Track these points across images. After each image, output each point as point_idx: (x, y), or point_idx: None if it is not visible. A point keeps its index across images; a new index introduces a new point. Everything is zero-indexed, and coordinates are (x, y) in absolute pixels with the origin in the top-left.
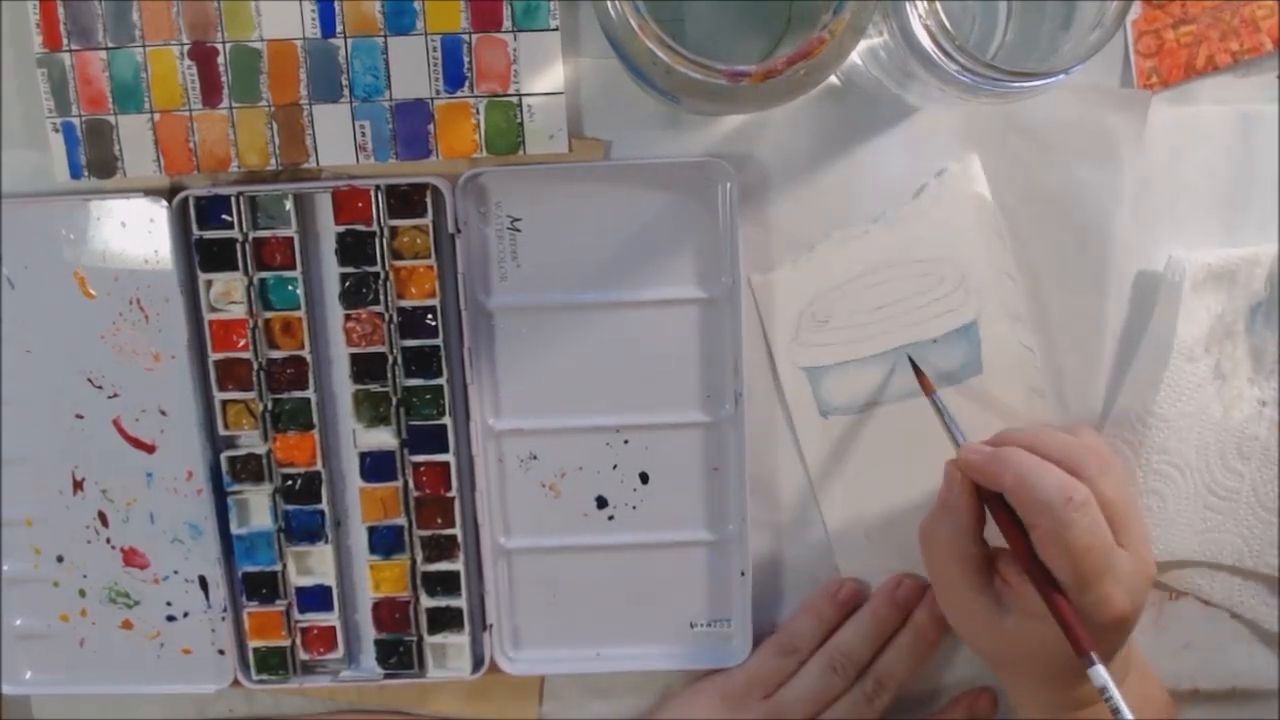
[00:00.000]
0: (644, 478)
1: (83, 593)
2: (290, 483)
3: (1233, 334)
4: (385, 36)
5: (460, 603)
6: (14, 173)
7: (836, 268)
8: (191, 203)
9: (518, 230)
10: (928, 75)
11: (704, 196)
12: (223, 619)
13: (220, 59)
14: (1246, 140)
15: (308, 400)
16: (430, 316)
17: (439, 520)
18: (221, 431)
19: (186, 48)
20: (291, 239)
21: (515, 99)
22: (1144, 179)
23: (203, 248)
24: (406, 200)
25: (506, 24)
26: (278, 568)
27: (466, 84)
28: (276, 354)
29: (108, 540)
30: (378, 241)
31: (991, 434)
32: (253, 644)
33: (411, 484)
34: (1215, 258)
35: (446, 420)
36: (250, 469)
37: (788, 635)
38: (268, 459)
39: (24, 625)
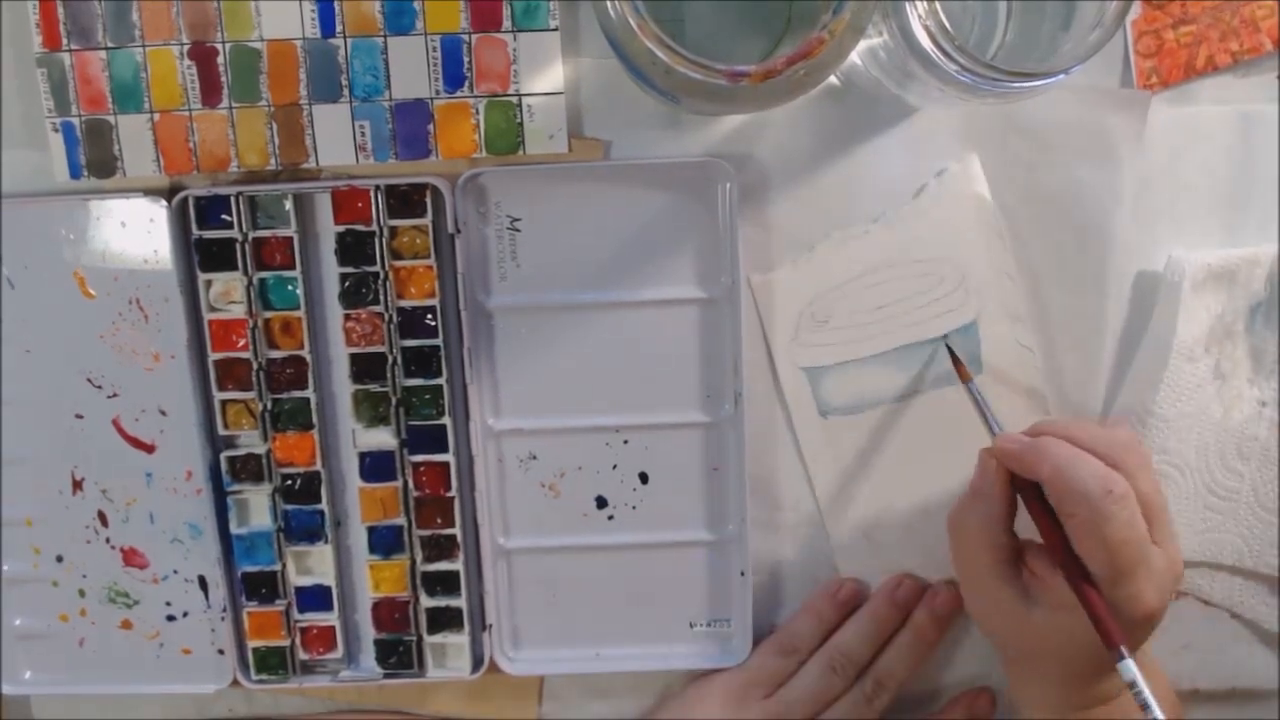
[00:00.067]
0: (644, 478)
1: (82, 593)
2: (290, 482)
3: (1233, 334)
4: (385, 36)
5: (460, 603)
6: (14, 173)
7: (836, 268)
8: (191, 203)
9: (517, 230)
10: (927, 75)
11: (704, 196)
12: (222, 619)
13: (220, 59)
14: (1246, 140)
15: (307, 400)
16: (430, 316)
17: (438, 520)
18: (221, 431)
19: (186, 48)
20: (291, 239)
21: (515, 99)
22: (1144, 179)
23: (202, 248)
24: (406, 200)
25: (506, 24)
26: (277, 568)
27: (466, 84)
28: (276, 354)
29: (107, 540)
30: (377, 241)
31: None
32: (252, 644)
33: (411, 484)
34: (1215, 258)
35: (446, 420)
36: (250, 469)
37: (787, 635)
38: (267, 459)
39: (24, 625)
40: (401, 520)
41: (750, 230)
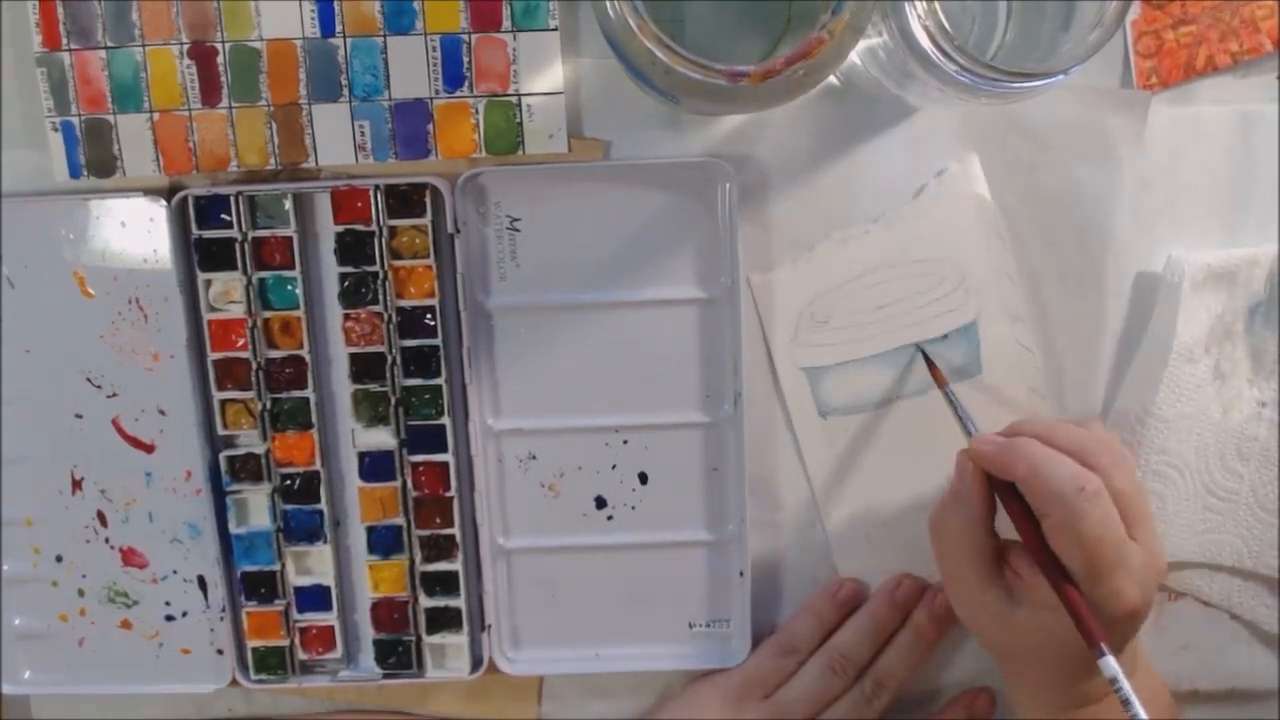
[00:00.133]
0: (643, 478)
1: (82, 592)
2: (289, 482)
3: (1232, 334)
4: (385, 36)
5: (459, 603)
6: (14, 173)
7: (836, 268)
8: (191, 202)
9: (517, 230)
10: (927, 75)
11: (704, 196)
12: (221, 619)
13: (220, 59)
14: (1246, 140)
15: (307, 400)
16: (429, 316)
17: (438, 520)
18: (220, 431)
19: (186, 47)
20: (291, 239)
21: (515, 99)
22: (1144, 179)
23: (202, 247)
24: (406, 200)
25: (506, 24)
26: (276, 567)
27: (466, 84)
28: (275, 354)
29: (107, 540)
30: (377, 241)
31: (996, 431)
32: (251, 644)
33: (410, 484)
34: (1215, 258)
35: (445, 420)
36: (249, 469)
37: (787, 635)
38: (267, 459)
39: (23, 625)
40: (401, 520)
41: (750, 230)
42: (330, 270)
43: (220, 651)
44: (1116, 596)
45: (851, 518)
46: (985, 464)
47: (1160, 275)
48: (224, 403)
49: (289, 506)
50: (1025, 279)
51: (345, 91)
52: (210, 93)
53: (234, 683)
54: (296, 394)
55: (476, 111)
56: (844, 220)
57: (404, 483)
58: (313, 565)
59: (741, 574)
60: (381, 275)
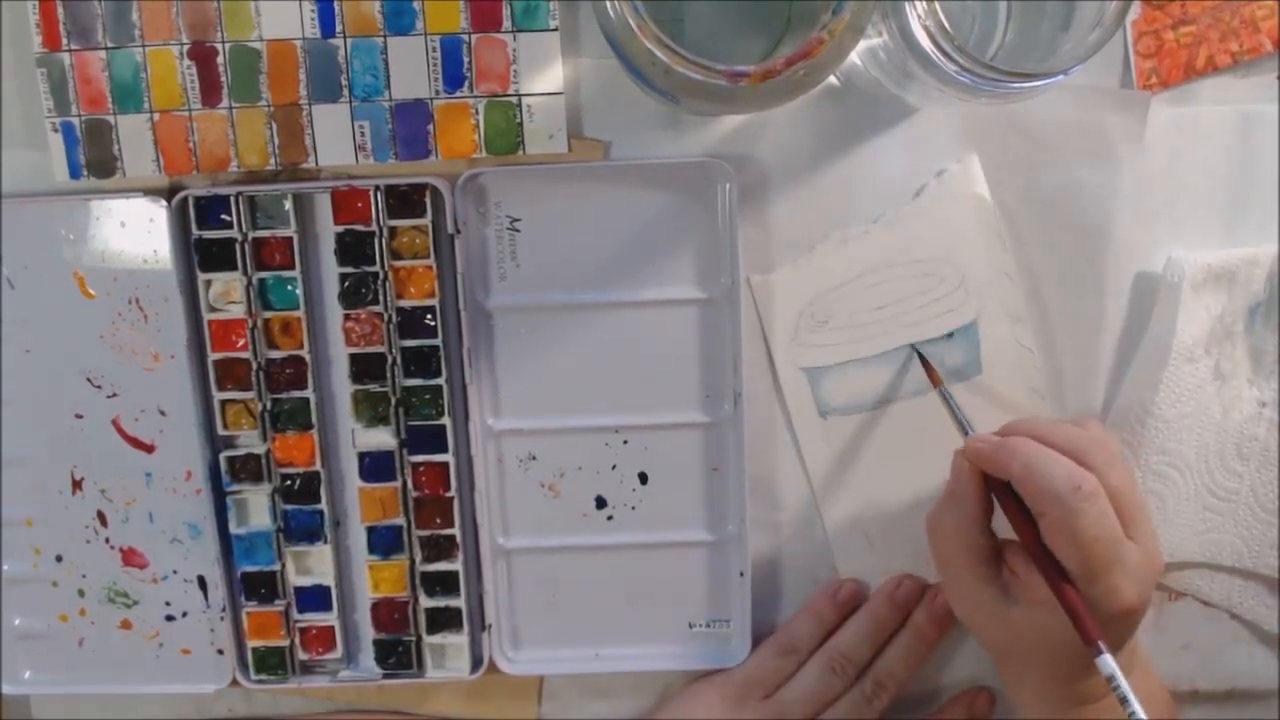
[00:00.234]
0: (643, 478)
1: (82, 592)
2: (289, 482)
3: (1232, 335)
4: (385, 36)
5: (459, 603)
6: (14, 173)
7: (836, 268)
8: (191, 203)
9: (517, 230)
10: (927, 75)
11: (704, 197)
12: (221, 619)
13: (220, 59)
14: (1246, 140)
15: (307, 400)
16: (429, 316)
17: (438, 520)
18: (220, 431)
19: (186, 48)
20: (291, 239)
21: (515, 99)
22: (1144, 179)
23: (202, 248)
24: (406, 200)
25: (506, 24)
26: (277, 568)
27: (466, 84)
28: (276, 354)
29: (107, 540)
30: (377, 241)
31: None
32: (251, 644)
33: (410, 484)
34: (1215, 258)
35: (445, 420)
36: (249, 469)
37: (787, 635)
38: (267, 459)
39: (23, 625)
40: (401, 520)
41: (750, 230)
42: (330, 270)
43: (220, 651)
44: (1113, 595)
45: (851, 518)
46: (981, 463)
47: (1160, 275)
48: (224, 403)
49: (289, 507)
50: (1025, 279)
51: (345, 92)
52: (210, 93)
53: (234, 683)
54: (297, 394)
55: (476, 112)
56: (844, 220)
57: (404, 483)
58: (313, 565)
59: (741, 574)
60: (381, 275)
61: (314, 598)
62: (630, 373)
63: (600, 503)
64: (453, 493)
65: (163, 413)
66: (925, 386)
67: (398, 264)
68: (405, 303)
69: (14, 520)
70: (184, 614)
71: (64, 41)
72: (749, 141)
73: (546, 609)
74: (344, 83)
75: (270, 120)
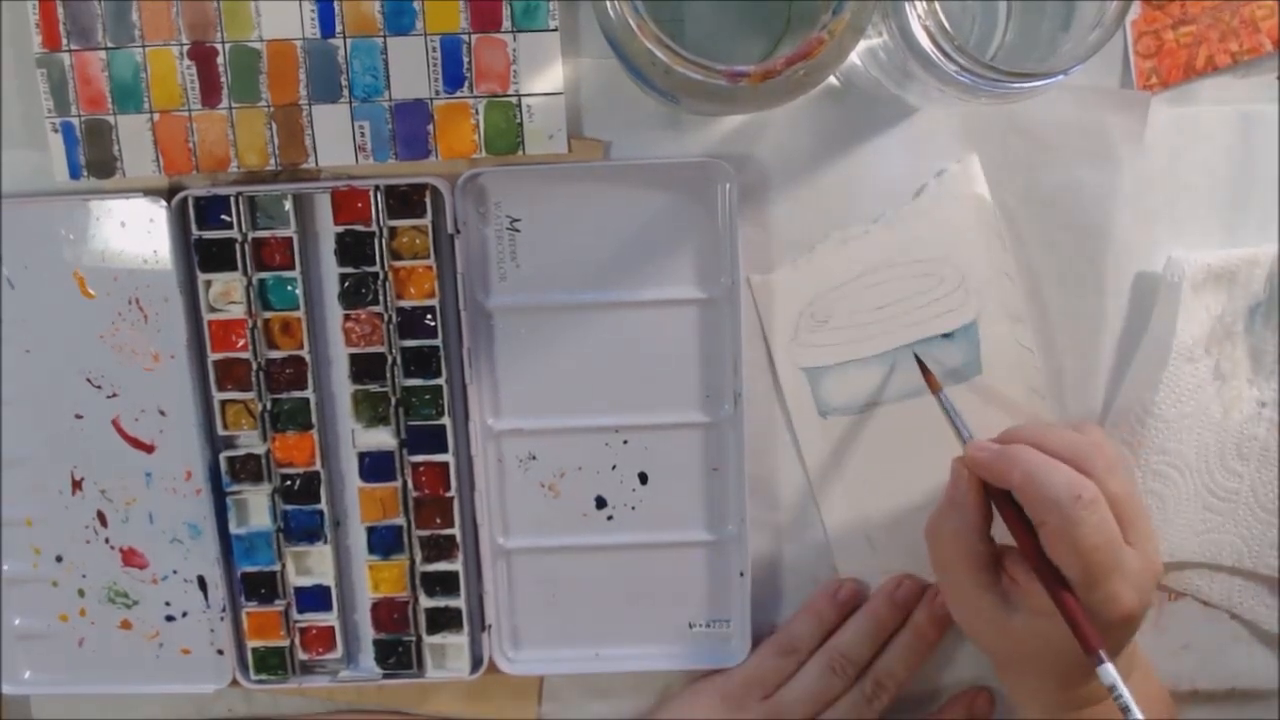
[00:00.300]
0: (643, 478)
1: (82, 592)
2: (289, 483)
3: (1232, 335)
4: (385, 37)
5: (459, 603)
6: (14, 173)
7: (836, 268)
8: (191, 203)
9: (517, 230)
10: (927, 75)
11: (704, 197)
12: (221, 619)
13: (220, 59)
14: (1246, 140)
15: (307, 400)
16: (429, 317)
17: (438, 520)
18: (220, 431)
19: (186, 48)
20: (291, 239)
21: (515, 99)
22: (1144, 179)
23: (202, 248)
24: (406, 200)
25: (506, 24)
26: (277, 568)
27: (466, 84)
28: (275, 354)
29: (107, 540)
30: (377, 242)
31: (994, 434)
32: (251, 644)
33: (410, 484)
34: (1215, 258)
35: (445, 420)
36: (249, 469)
37: (787, 635)
38: (267, 459)
39: (23, 625)
40: (401, 520)
41: (750, 230)
42: (330, 271)
43: (220, 652)
44: (1112, 601)
45: (851, 518)
46: (980, 471)
47: (1160, 275)
48: (224, 403)
49: (289, 507)
50: (1025, 279)
51: (345, 92)
52: (210, 93)
53: (234, 683)
54: (296, 394)
55: (476, 112)
56: (844, 220)
57: (404, 483)
58: (313, 565)
59: (741, 574)
60: (381, 276)
61: (314, 598)
62: (630, 373)
63: (600, 503)
64: (453, 493)
65: (163, 413)
66: (924, 387)
67: (398, 264)
68: (405, 303)
69: (14, 520)
70: (184, 614)
71: (64, 41)
72: (749, 141)
73: (546, 609)
74: (344, 83)
75: (270, 120)
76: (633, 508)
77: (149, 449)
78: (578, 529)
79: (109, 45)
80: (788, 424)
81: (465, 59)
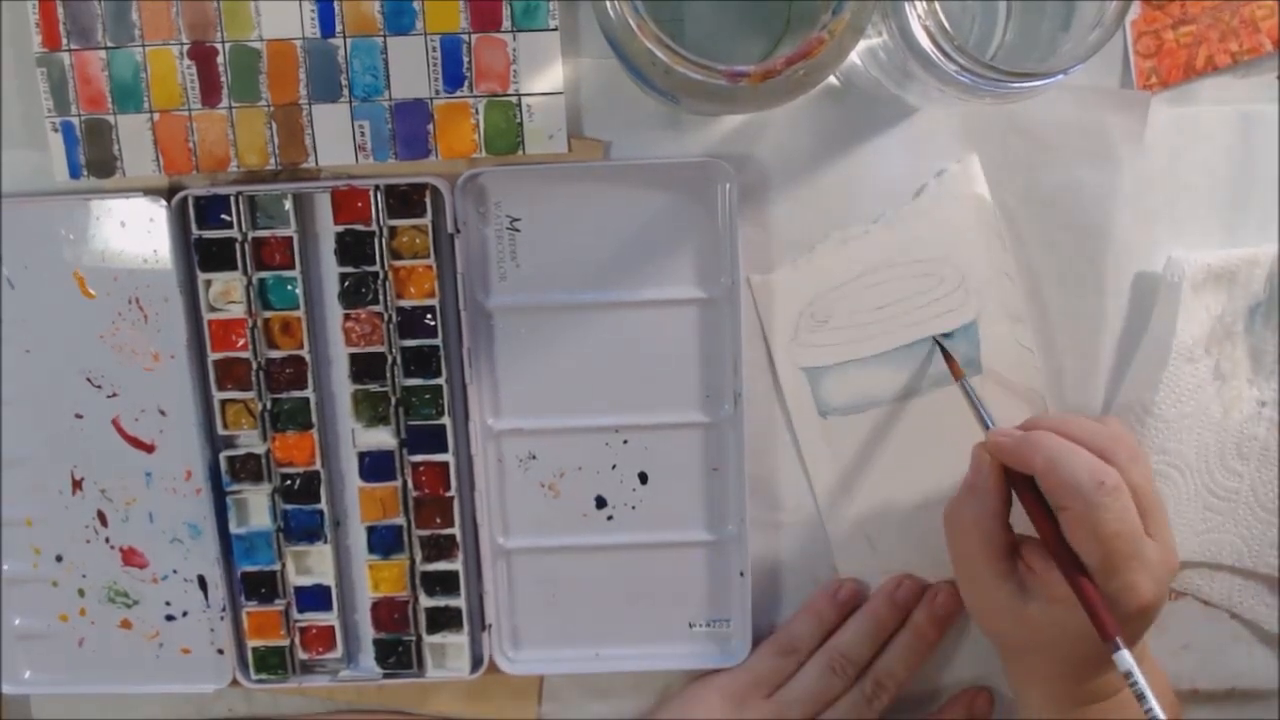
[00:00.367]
0: (643, 478)
1: (82, 592)
2: (289, 482)
3: (1232, 335)
4: (385, 36)
5: (459, 603)
6: (14, 173)
7: (836, 268)
8: (191, 202)
9: (517, 230)
10: (927, 75)
11: (704, 197)
12: (222, 619)
13: (220, 59)
14: (1246, 140)
15: (307, 400)
16: (429, 316)
17: (438, 520)
18: (220, 431)
19: (186, 47)
20: (291, 239)
21: (515, 99)
22: (1144, 179)
23: (202, 247)
24: (406, 200)
25: (506, 24)
26: (277, 567)
27: (466, 84)
28: (275, 354)
29: (107, 540)
30: (377, 241)
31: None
32: (252, 643)
33: (410, 484)
34: (1215, 258)
35: (445, 420)
36: (249, 469)
37: (787, 635)
38: (267, 459)
39: (23, 625)
40: (401, 520)
41: (750, 230)
42: (330, 270)
43: (220, 651)
44: (1131, 591)
45: (852, 517)
46: (1003, 456)
47: (1160, 275)
48: (224, 403)
49: (289, 506)
50: (1025, 279)
51: (345, 91)
52: (210, 93)
53: (234, 683)
54: (296, 394)
55: (476, 111)
56: (844, 220)
57: (404, 483)
58: (313, 565)
59: (741, 574)
60: (381, 275)
61: (314, 597)
62: (630, 373)
63: (600, 503)
64: (453, 493)
65: (163, 413)
66: (926, 386)
67: (398, 264)
68: (405, 303)
69: (14, 520)
70: (184, 614)
71: (64, 41)
72: (749, 141)
73: (546, 609)
74: (344, 83)
75: (270, 120)
76: (633, 508)
77: (149, 449)
78: (578, 529)
79: (109, 45)
80: (788, 424)
81: (465, 59)
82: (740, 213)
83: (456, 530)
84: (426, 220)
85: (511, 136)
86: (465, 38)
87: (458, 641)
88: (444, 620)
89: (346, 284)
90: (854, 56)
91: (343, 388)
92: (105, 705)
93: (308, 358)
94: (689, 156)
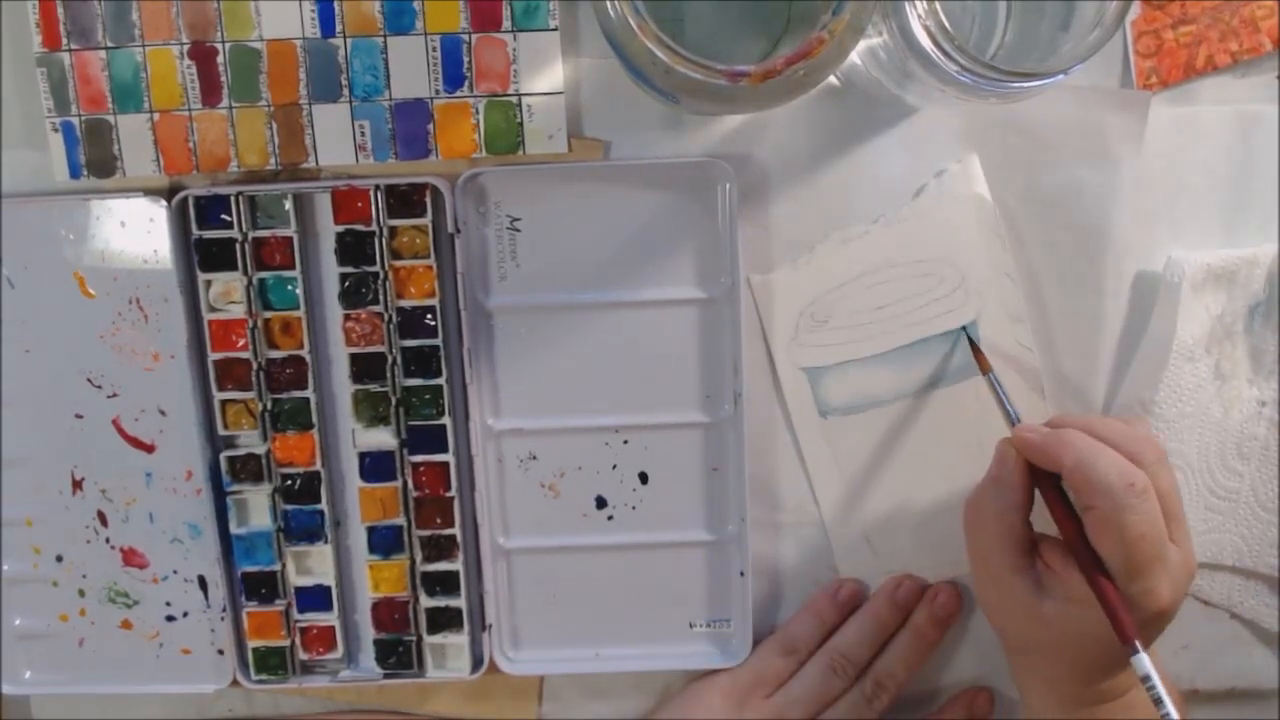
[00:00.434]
0: (643, 478)
1: (82, 592)
2: (289, 483)
3: (1232, 334)
4: (385, 36)
5: (459, 603)
6: (14, 173)
7: (836, 268)
8: (191, 202)
9: (517, 230)
10: (927, 75)
11: (704, 197)
12: (222, 619)
13: (220, 59)
14: (1246, 140)
15: (307, 400)
16: (429, 316)
17: (438, 520)
18: (221, 431)
19: (186, 47)
20: (291, 239)
21: (515, 99)
22: (1143, 179)
23: (202, 247)
24: (406, 200)
25: (506, 24)
26: (277, 568)
27: (466, 84)
28: (276, 354)
29: (107, 540)
30: (377, 241)
31: (995, 435)
32: (252, 644)
33: (411, 484)
34: (1215, 258)
35: (446, 420)
36: (249, 469)
37: (787, 635)
38: (267, 459)
39: (24, 625)
40: (401, 520)
41: (750, 230)
42: (330, 270)
43: (221, 651)
44: (1151, 595)
45: (852, 518)
46: (1030, 453)
47: (1160, 275)
48: (224, 403)
49: (289, 507)
50: (1025, 279)
51: (345, 91)
52: (210, 93)
53: (234, 683)
54: (297, 394)
55: (476, 111)
56: (844, 220)
57: (404, 483)
58: (313, 565)
59: (741, 574)
60: (382, 275)
61: (314, 598)
62: (630, 373)
63: (600, 503)
64: (453, 493)
65: (163, 413)
66: (927, 386)
67: (398, 264)
68: (405, 303)
69: (14, 520)
70: (184, 614)
71: (64, 41)
72: (749, 141)
73: (546, 609)
74: (344, 82)
75: (270, 120)
76: (633, 508)
77: (149, 449)
78: (578, 529)
79: (109, 45)
80: (788, 424)
81: (465, 59)
82: (740, 213)
83: (457, 530)
84: (427, 220)
85: (511, 136)
86: (465, 38)
87: (458, 642)
88: (444, 620)
89: (347, 284)
90: (854, 56)
91: (343, 388)
92: (105, 705)
93: (308, 358)
94: (689, 156)
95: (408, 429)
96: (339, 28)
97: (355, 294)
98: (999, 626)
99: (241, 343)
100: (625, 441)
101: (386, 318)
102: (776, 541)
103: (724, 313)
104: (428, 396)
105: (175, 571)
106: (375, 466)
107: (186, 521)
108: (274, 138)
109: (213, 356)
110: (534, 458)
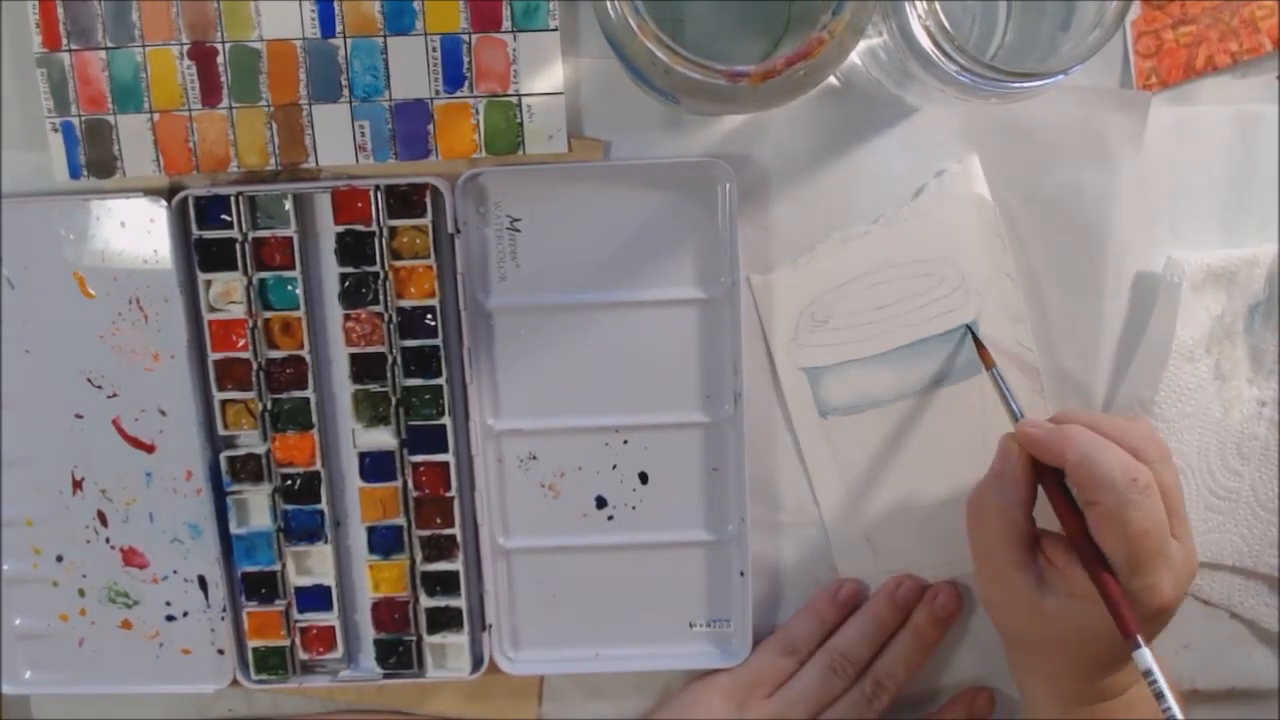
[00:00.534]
0: (643, 478)
1: (82, 592)
2: (289, 483)
3: (1232, 334)
4: (385, 36)
5: (459, 603)
6: (14, 173)
7: (836, 268)
8: (191, 203)
9: (517, 230)
10: (927, 75)
11: (704, 197)
12: (222, 619)
13: (220, 59)
14: (1246, 140)
15: (307, 400)
16: (429, 316)
17: (438, 520)
18: (221, 431)
19: (186, 48)
20: (291, 239)
21: (515, 99)
22: (1143, 179)
23: (202, 248)
24: (406, 200)
25: (506, 24)
26: (277, 568)
27: (466, 84)
28: (276, 354)
29: (107, 540)
30: (377, 241)
31: (996, 434)
32: (252, 644)
33: (411, 484)
34: (1214, 258)
35: (446, 420)
36: (250, 469)
37: (787, 635)
38: (267, 459)
39: (24, 625)
40: (401, 520)
41: (750, 230)
42: (330, 270)
43: (221, 651)
44: (1152, 591)
45: (852, 518)
46: (1034, 448)
47: (1160, 275)
48: (224, 403)
49: (289, 507)
50: (1025, 279)
51: (345, 92)
52: (210, 93)
53: (234, 683)
54: (297, 394)
55: (476, 112)
56: (844, 220)
57: (404, 483)
58: (313, 565)
59: (741, 574)
60: (382, 275)
61: (314, 598)
62: (630, 373)
63: (600, 503)
64: (453, 493)
65: (163, 413)
66: (927, 386)
67: (398, 264)
68: (405, 303)
69: (14, 520)
70: (184, 614)
71: (64, 41)
72: (749, 141)
73: (546, 609)
74: (344, 83)
75: (270, 120)
76: (633, 508)
77: (149, 449)
78: (578, 529)
79: (109, 45)
80: (788, 424)
81: (465, 59)
82: (740, 213)
83: (457, 530)
84: (427, 220)
85: (511, 136)
86: (465, 38)
87: (458, 642)
88: (444, 620)
89: (347, 284)
90: (854, 56)
91: (343, 388)
92: (105, 705)
93: (308, 358)
94: (689, 156)
95: (408, 429)
96: (339, 28)
97: (355, 294)
98: (1001, 623)
99: (241, 343)
100: (625, 441)
101: (386, 318)
102: (776, 541)
103: (724, 313)
104: (428, 396)
105: (175, 571)
106: (375, 466)
107: (186, 521)
108: (274, 138)
109: (213, 356)
110: (534, 458)
